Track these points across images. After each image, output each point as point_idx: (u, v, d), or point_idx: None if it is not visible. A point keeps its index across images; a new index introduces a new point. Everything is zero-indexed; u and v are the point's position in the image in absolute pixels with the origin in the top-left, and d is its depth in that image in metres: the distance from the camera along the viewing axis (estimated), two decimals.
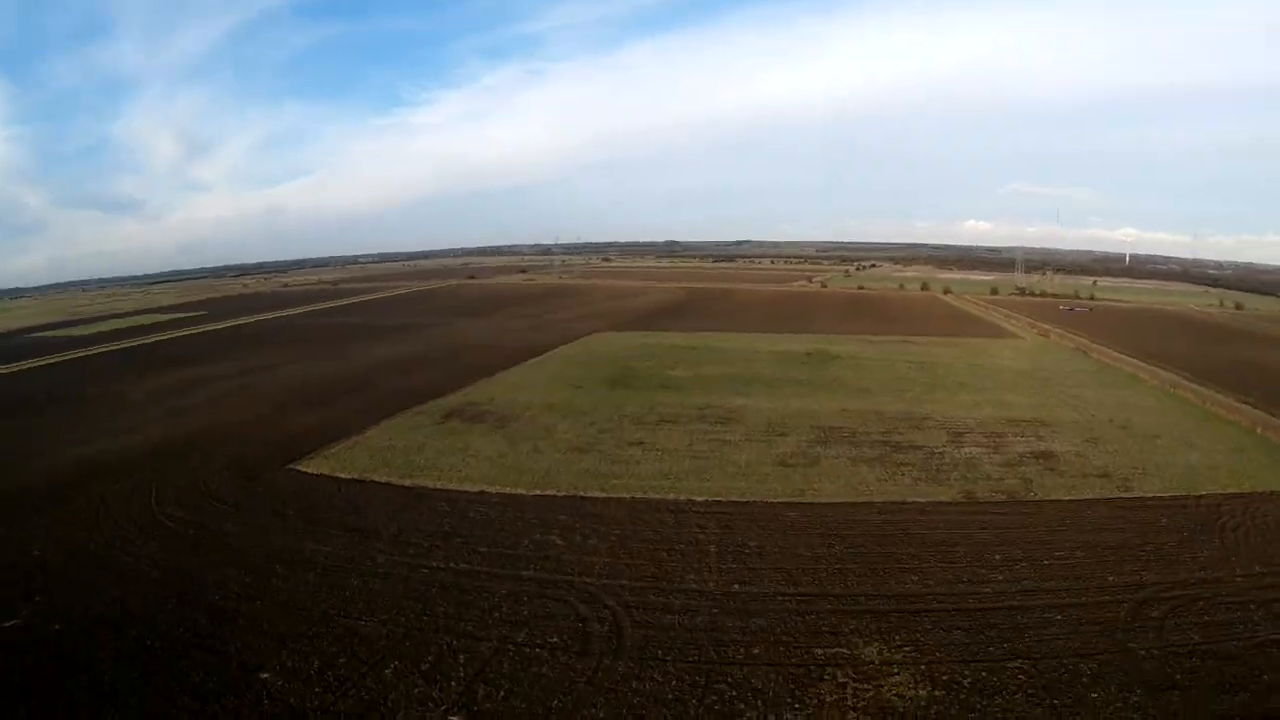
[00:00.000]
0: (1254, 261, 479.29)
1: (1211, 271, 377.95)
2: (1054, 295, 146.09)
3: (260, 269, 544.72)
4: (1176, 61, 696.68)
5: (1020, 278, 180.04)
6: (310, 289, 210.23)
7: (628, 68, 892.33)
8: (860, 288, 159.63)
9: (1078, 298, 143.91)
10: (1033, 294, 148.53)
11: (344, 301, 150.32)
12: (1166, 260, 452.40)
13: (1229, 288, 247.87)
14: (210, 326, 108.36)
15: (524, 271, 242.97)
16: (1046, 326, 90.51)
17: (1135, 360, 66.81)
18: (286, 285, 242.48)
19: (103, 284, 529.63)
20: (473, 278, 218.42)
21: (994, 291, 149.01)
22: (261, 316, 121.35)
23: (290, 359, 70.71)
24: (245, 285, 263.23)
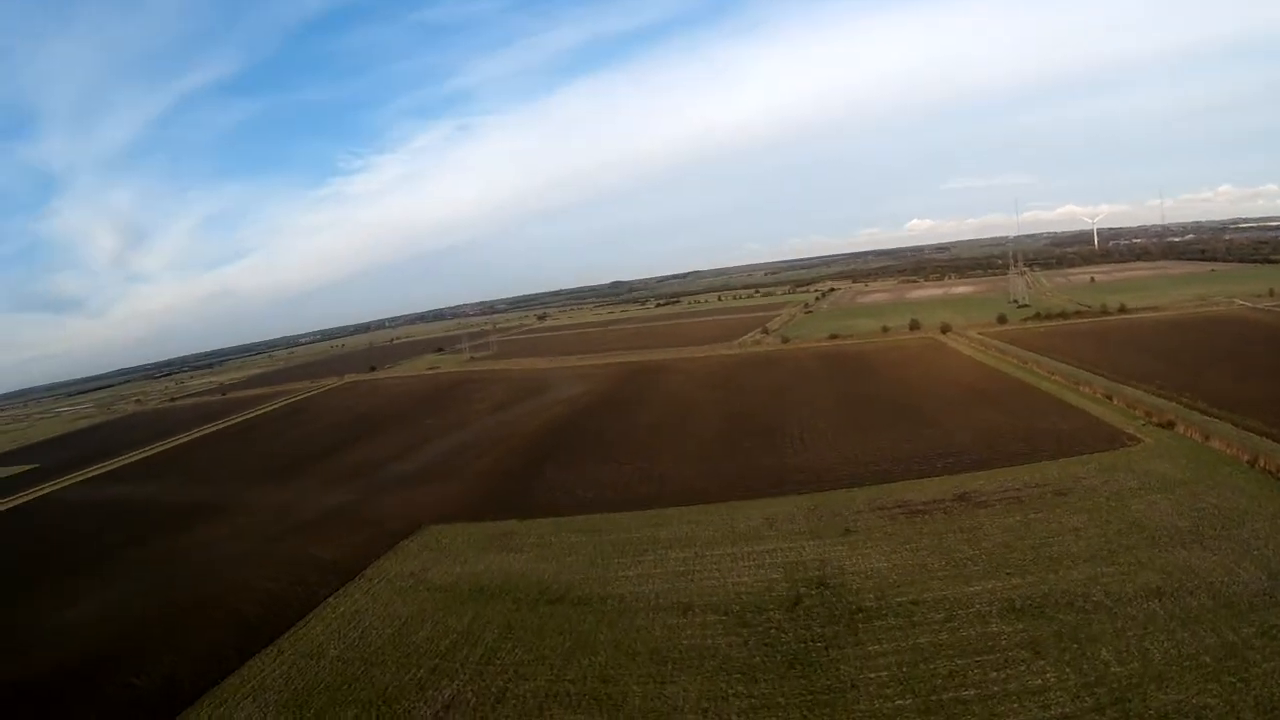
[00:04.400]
0: (1200, 219, 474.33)
1: (1176, 240, 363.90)
2: (1076, 315, 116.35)
3: (210, 358, 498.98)
4: (1097, 37, 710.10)
5: (1017, 287, 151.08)
6: (196, 404, 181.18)
7: (558, 113, 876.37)
8: (833, 337, 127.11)
9: (1106, 312, 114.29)
10: (1048, 315, 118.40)
11: (201, 431, 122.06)
12: (1126, 232, 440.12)
13: (1218, 259, 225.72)
14: None
15: (439, 350, 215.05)
16: (1145, 398, 58.47)
17: None
18: (174, 400, 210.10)
19: (51, 389, 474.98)
20: (373, 369, 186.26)
21: (1001, 319, 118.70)
22: (75, 478, 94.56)
23: None
24: (140, 400, 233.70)
